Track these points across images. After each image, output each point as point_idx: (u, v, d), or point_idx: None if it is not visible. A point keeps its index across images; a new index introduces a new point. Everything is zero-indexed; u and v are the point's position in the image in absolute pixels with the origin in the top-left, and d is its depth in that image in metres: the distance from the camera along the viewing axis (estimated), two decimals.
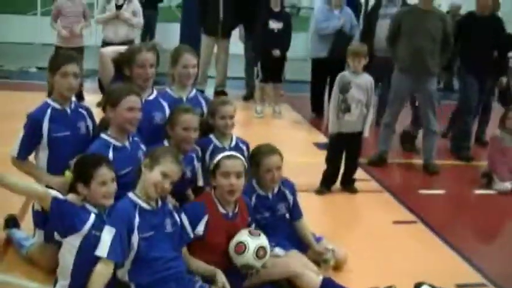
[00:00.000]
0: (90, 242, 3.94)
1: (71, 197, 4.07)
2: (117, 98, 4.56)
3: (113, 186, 4.07)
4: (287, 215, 5.12)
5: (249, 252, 4.39)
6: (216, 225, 4.46)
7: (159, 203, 4.24)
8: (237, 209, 4.61)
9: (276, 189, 5.07)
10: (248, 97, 12.18)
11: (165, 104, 5.25)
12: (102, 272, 3.92)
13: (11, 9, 20.75)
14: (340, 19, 10.61)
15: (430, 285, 4.71)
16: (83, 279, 3.91)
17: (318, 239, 5.19)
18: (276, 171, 4.93)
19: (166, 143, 4.92)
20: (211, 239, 4.45)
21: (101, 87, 5.25)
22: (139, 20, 10.91)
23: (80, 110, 4.92)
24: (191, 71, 5.42)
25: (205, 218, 4.44)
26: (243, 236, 4.49)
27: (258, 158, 4.96)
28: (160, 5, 17.75)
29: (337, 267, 5.10)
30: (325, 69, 10.76)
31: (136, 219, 4.06)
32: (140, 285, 4.07)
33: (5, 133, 5.65)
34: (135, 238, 4.03)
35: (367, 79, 6.95)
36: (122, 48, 5.38)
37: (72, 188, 4.15)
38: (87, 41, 10.93)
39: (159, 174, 4.11)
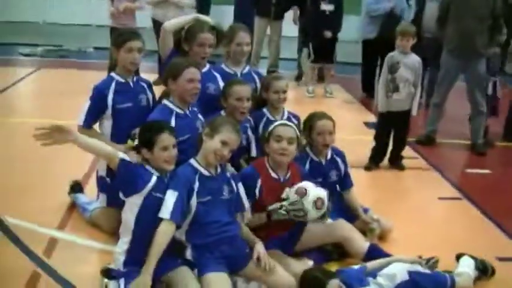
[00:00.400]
0: (151, 201, 4.19)
1: (135, 158, 4.33)
2: (178, 70, 4.82)
3: (173, 152, 4.27)
4: (337, 185, 5.36)
5: (308, 198, 4.54)
6: (268, 188, 4.68)
7: (218, 170, 4.43)
8: (289, 174, 4.83)
9: (328, 156, 5.32)
10: (300, 77, 12.38)
11: (218, 76, 5.52)
12: (165, 231, 4.15)
13: None
14: (390, 1, 10.72)
15: (470, 256, 4.82)
16: (143, 236, 4.16)
17: (365, 210, 5.42)
18: (327, 135, 5.19)
19: (223, 113, 5.17)
20: (263, 202, 4.67)
21: (160, 63, 5.50)
22: (189, 1, 11.11)
23: (141, 83, 5.24)
24: (245, 48, 5.68)
25: (259, 182, 4.67)
26: (307, 184, 4.66)
27: (311, 122, 5.23)
28: None
29: (382, 237, 5.31)
30: (375, 50, 10.88)
31: (196, 184, 4.27)
32: (195, 246, 4.31)
33: (66, 108, 6.02)
34: (193, 202, 4.26)
35: (415, 59, 7.11)
36: (183, 21, 5.56)
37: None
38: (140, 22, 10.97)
39: (218, 142, 4.30)
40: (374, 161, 7.34)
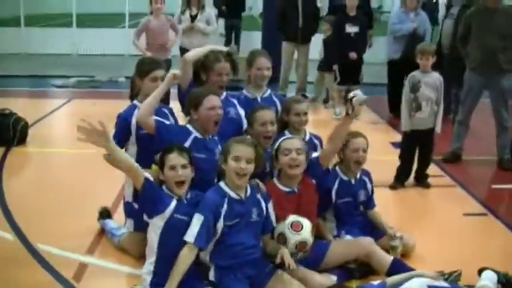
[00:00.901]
0: (173, 223, 4.33)
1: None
2: (198, 99, 4.92)
3: (182, 172, 4.38)
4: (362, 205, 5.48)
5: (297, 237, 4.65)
6: (282, 204, 4.79)
7: (248, 192, 4.51)
8: (301, 186, 4.94)
9: (358, 176, 5.44)
10: (328, 100, 12.45)
11: (235, 101, 5.64)
12: (187, 255, 4.29)
13: (102, 24, 21.68)
14: (414, 21, 10.78)
15: (493, 270, 4.83)
16: (168, 257, 4.30)
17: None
18: (361, 152, 5.31)
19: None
20: (281, 216, 4.75)
21: (179, 92, 5.61)
22: (213, 27, 11.33)
23: (163, 109, 5.39)
24: (265, 72, 5.78)
25: (271, 203, 4.72)
26: (284, 227, 4.71)
27: (345, 139, 5.32)
28: (243, 14, 18.25)
29: (406, 254, 5.34)
30: (400, 71, 10.87)
31: (224, 208, 4.37)
32: (219, 267, 4.43)
33: None
34: (220, 225, 4.36)
35: (435, 77, 7.18)
36: (201, 52, 5.64)
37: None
38: None
39: (232, 161, 4.38)
40: (399, 180, 7.38)
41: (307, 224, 4.73)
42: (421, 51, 7.10)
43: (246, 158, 4.39)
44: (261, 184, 4.83)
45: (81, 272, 5.04)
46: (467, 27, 8.30)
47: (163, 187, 4.44)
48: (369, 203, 5.58)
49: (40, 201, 6.63)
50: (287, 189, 4.90)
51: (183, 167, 4.40)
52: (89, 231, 5.72)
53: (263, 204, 4.58)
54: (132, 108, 5.25)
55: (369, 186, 5.55)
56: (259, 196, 4.60)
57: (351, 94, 5.04)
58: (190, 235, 4.30)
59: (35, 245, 5.43)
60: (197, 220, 4.32)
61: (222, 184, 4.49)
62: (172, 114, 5.50)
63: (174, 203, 4.37)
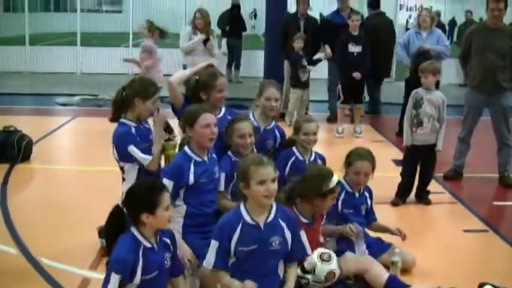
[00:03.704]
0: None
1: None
2: (194, 117, 4.96)
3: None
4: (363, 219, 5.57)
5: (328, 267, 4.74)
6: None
7: (270, 218, 4.30)
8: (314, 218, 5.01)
9: (361, 191, 5.54)
10: (331, 119, 12.52)
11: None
12: (214, 277, 4.34)
13: (106, 43, 21.82)
14: (424, 41, 10.70)
15: (493, 285, 4.89)
16: None
17: (388, 245, 5.55)
18: (362, 176, 5.40)
19: (230, 153, 5.38)
20: None
21: (174, 111, 5.67)
22: (218, 51, 11.55)
23: (146, 126, 5.35)
24: (273, 103, 5.82)
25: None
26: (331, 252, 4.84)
27: (350, 158, 5.46)
28: (247, 33, 18.46)
29: (406, 270, 5.38)
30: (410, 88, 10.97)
31: (236, 233, 4.22)
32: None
33: (101, 155, 6.24)
34: (232, 249, 4.23)
35: (438, 96, 7.30)
36: (186, 73, 5.78)
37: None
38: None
39: (257, 186, 4.17)
40: (400, 197, 7.45)
41: (334, 255, 4.82)
42: (421, 70, 7.26)
43: (271, 178, 4.19)
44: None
45: (83, 287, 5.09)
46: (468, 45, 8.38)
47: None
48: (370, 216, 5.68)
49: (44, 216, 6.70)
50: (306, 221, 4.92)
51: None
52: (92, 247, 5.76)
53: (287, 233, 4.35)
54: (127, 127, 5.17)
55: (368, 201, 5.64)
56: (283, 225, 4.35)
57: (396, 257, 5.24)
58: (208, 262, 4.28)
59: (39, 259, 5.50)
60: (212, 246, 4.27)
61: (241, 206, 4.33)
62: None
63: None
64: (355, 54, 11.17)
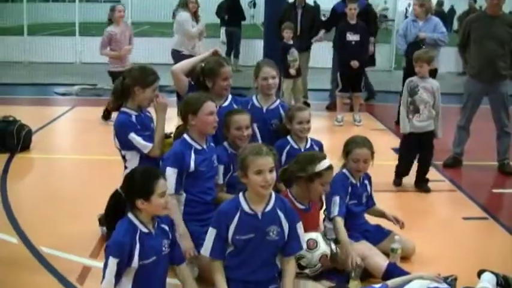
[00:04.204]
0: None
1: None
2: (197, 105, 4.98)
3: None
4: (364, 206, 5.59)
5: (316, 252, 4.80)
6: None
7: (269, 207, 4.34)
8: (310, 204, 5.05)
9: (361, 179, 5.55)
10: (330, 107, 12.53)
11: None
12: (212, 266, 4.37)
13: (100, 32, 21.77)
14: (420, 30, 10.64)
15: (492, 272, 4.87)
16: None
17: (388, 232, 5.55)
18: (362, 163, 5.40)
19: (226, 145, 5.39)
20: None
21: (179, 98, 5.72)
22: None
23: (147, 114, 5.45)
24: (270, 81, 5.85)
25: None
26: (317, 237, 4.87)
27: (349, 147, 5.46)
28: (246, 22, 18.44)
29: (406, 257, 5.39)
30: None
31: (234, 221, 4.26)
32: (229, 278, 4.38)
33: (100, 144, 6.27)
34: (229, 238, 4.29)
35: (433, 83, 7.37)
36: (192, 61, 5.84)
37: None
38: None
39: (254, 175, 4.20)
40: (398, 178, 7.67)
41: (319, 237, 4.86)
42: (415, 59, 7.31)
43: (269, 168, 4.21)
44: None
45: (84, 275, 5.10)
46: (467, 34, 8.37)
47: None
48: (369, 201, 5.71)
49: (44, 205, 6.71)
50: (302, 207, 4.97)
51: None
52: (92, 235, 5.77)
53: (285, 223, 4.38)
54: (128, 115, 5.22)
55: (368, 188, 5.67)
56: (282, 215, 4.38)
57: (396, 244, 5.26)
58: (205, 249, 4.35)
59: (39, 248, 5.50)
60: (210, 233, 4.33)
61: (240, 196, 4.37)
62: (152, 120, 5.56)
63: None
64: (353, 43, 11.14)
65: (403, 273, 4.83)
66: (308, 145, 5.75)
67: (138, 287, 4.10)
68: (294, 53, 11.47)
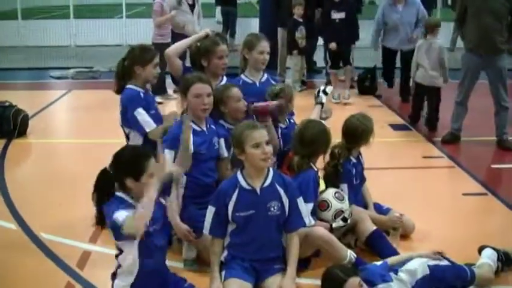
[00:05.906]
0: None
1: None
2: (186, 86, 4.97)
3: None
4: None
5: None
6: None
7: (267, 182, 4.37)
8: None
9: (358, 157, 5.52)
10: (326, 84, 12.42)
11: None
12: (211, 244, 4.43)
13: (99, 15, 21.67)
14: (401, 16, 10.72)
15: (493, 248, 4.86)
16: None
17: (387, 210, 5.53)
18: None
19: (222, 122, 5.33)
20: None
21: (173, 80, 5.76)
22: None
23: (151, 94, 5.61)
24: (266, 56, 5.81)
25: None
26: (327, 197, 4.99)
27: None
28: (242, 1, 18.31)
29: (405, 235, 5.39)
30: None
31: (233, 198, 4.30)
32: (230, 253, 4.43)
33: (98, 127, 6.22)
34: (229, 215, 4.31)
35: (438, 43, 9.05)
36: (187, 42, 5.80)
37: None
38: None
39: (252, 149, 4.26)
40: (412, 120, 9.42)
41: (329, 196, 5.02)
42: (427, 26, 9.33)
43: (265, 140, 4.28)
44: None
45: (84, 260, 5.10)
46: (464, 8, 8.30)
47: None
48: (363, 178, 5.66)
49: (42, 191, 6.70)
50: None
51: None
52: (91, 220, 5.65)
53: (284, 197, 4.41)
54: (137, 92, 5.41)
55: (363, 165, 5.60)
56: (281, 191, 4.41)
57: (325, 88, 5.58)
58: (205, 227, 4.41)
59: (38, 234, 5.49)
60: (209, 211, 4.38)
61: (238, 173, 4.41)
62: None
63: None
64: (337, 20, 11.07)
65: (387, 243, 4.98)
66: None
67: (141, 255, 4.02)
68: (302, 31, 11.53)
